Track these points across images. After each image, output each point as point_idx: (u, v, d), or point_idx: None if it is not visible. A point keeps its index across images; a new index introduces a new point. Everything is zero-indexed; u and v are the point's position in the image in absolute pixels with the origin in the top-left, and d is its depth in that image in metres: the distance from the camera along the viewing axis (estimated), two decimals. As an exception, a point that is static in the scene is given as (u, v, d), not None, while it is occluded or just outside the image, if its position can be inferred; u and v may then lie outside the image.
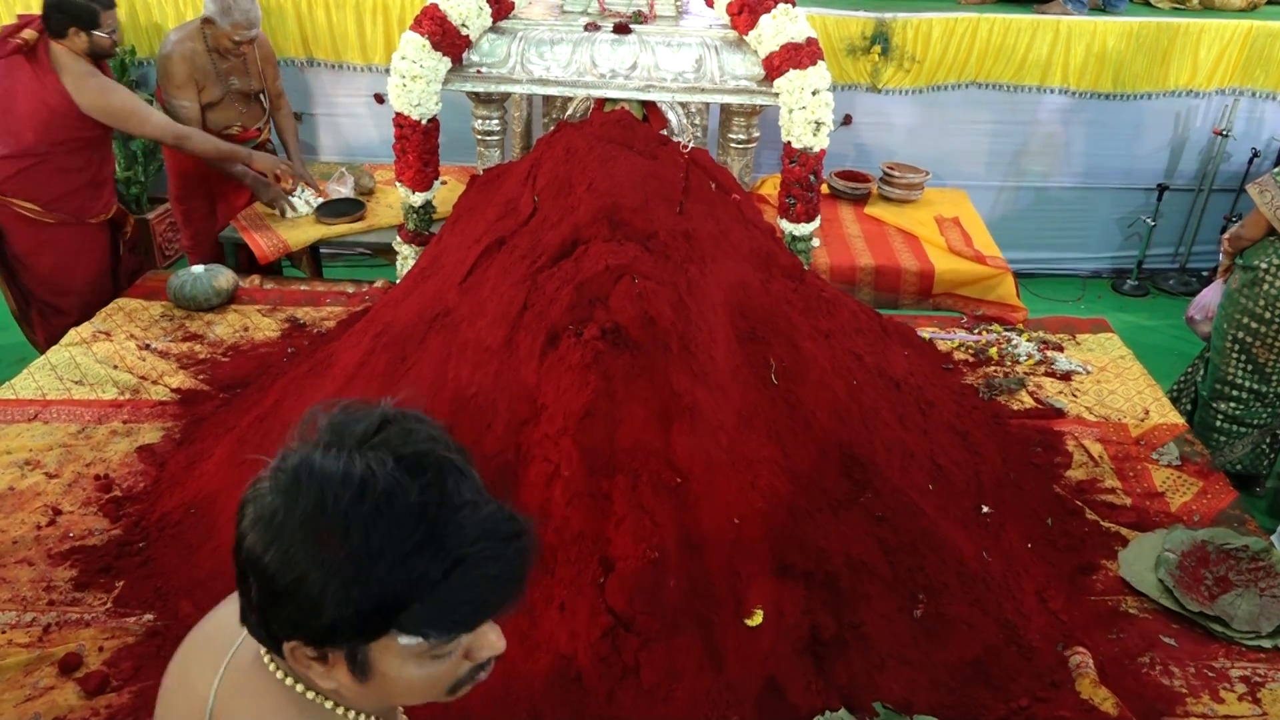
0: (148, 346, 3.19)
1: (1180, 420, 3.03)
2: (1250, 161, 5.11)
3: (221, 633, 1.05)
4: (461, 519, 0.87)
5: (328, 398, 2.47)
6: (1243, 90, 5.05)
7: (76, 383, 2.97)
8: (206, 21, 3.63)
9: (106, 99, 3.41)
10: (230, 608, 1.04)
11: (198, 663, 1.06)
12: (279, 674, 0.98)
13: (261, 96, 4.00)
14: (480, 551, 0.87)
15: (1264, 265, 3.30)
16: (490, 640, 0.95)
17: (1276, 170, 3.30)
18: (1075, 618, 2.25)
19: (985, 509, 2.42)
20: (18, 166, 3.40)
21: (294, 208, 3.92)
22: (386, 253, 3.71)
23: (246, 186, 3.92)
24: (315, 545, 0.84)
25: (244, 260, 3.88)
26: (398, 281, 3.26)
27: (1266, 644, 2.18)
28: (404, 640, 0.88)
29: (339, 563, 0.84)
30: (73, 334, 3.25)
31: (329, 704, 0.98)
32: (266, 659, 0.99)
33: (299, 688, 0.97)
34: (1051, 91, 4.99)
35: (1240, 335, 3.40)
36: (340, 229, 3.92)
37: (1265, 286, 3.30)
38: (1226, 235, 3.48)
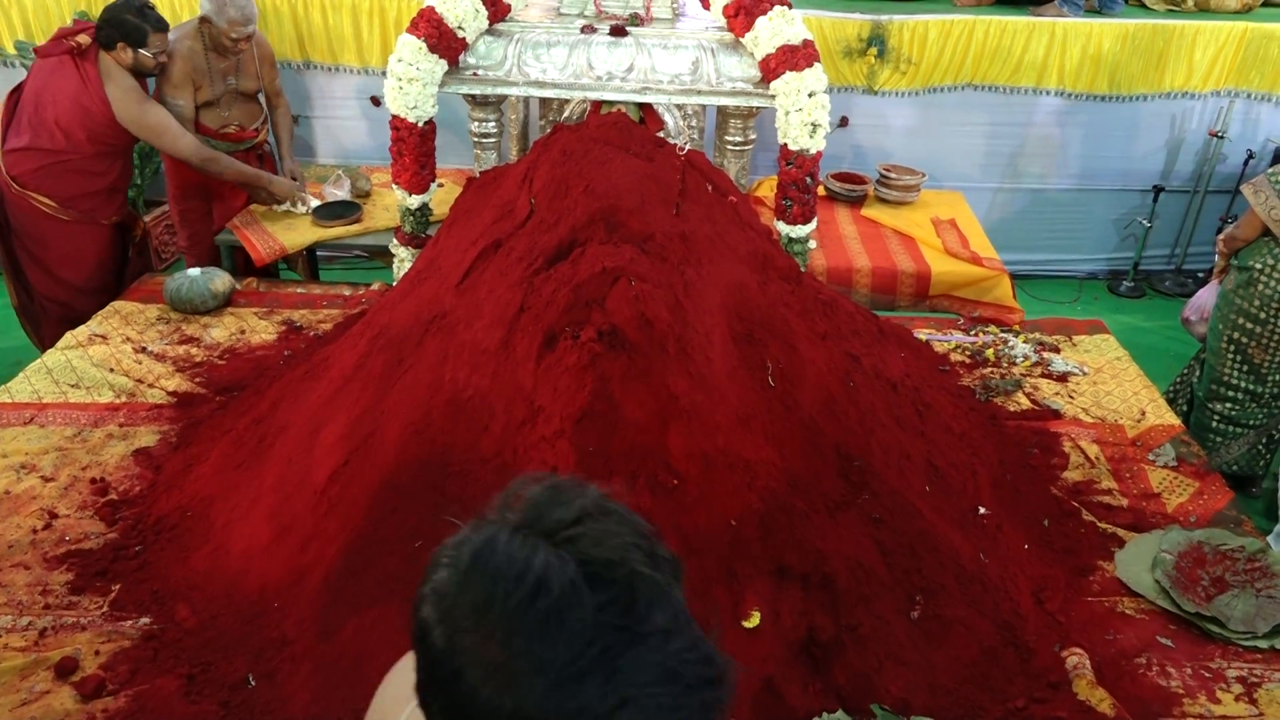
0: (144, 349, 3.18)
1: (1176, 421, 3.03)
2: (1245, 163, 5.13)
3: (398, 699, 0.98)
4: (642, 652, 0.73)
5: (325, 400, 2.48)
6: (1238, 92, 5.06)
7: (72, 386, 2.96)
8: (203, 20, 3.64)
9: (143, 114, 3.54)
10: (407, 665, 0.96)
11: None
12: None
13: (260, 96, 4.01)
14: (654, 697, 0.73)
15: (1259, 266, 3.31)
16: None
17: (1271, 171, 3.31)
18: (1072, 619, 2.25)
19: (982, 510, 2.42)
20: (42, 161, 3.52)
21: (303, 202, 3.95)
22: (383, 255, 3.71)
23: (240, 158, 3.97)
24: (477, 640, 0.74)
25: (240, 263, 3.88)
26: (394, 284, 3.26)
27: (1263, 644, 2.18)
28: None
29: (498, 665, 0.73)
30: (68, 337, 3.24)
31: None
32: None
33: None
34: (1047, 93, 5.01)
35: (1236, 336, 3.41)
36: (337, 231, 3.92)
37: (1260, 287, 3.31)
38: (1221, 236, 3.49)
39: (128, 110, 3.50)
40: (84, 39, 3.49)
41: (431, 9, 3.07)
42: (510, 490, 0.82)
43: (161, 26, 3.52)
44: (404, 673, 1.00)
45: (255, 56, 3.88)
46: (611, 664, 0.72)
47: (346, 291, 3.66)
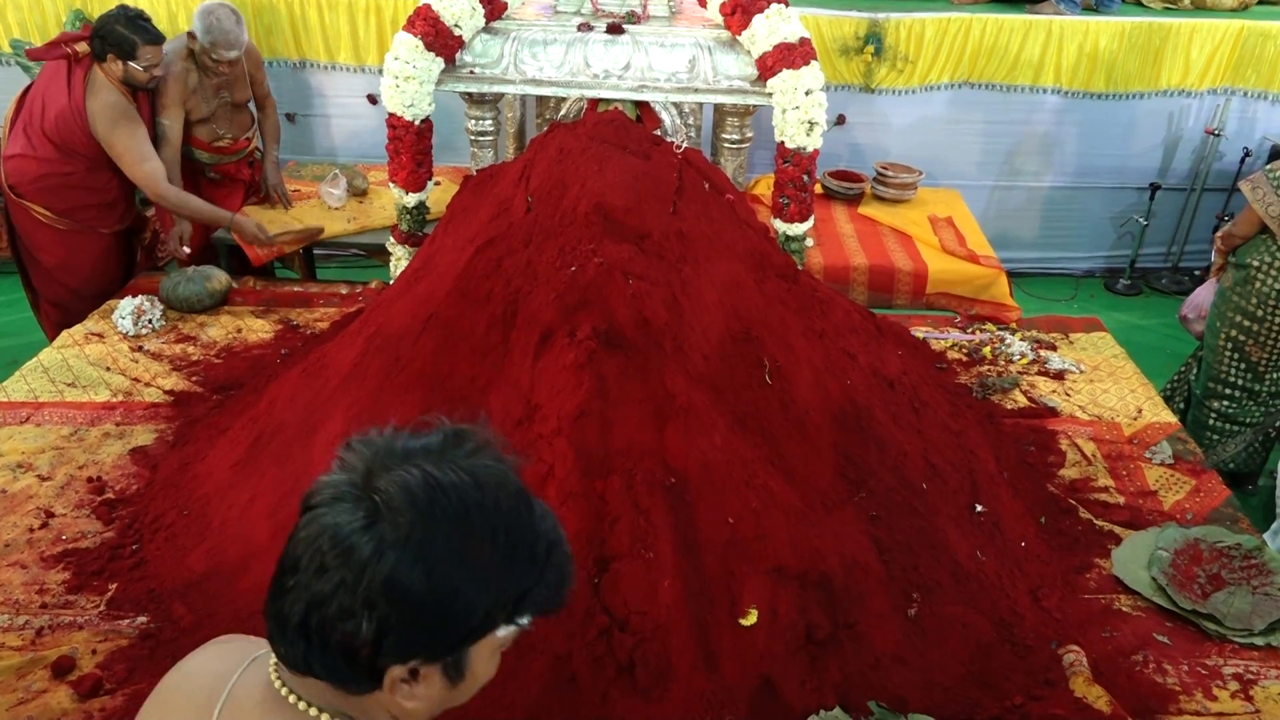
0: (141, 348, 3.18)
1: (1173, 419, 3.04)
2: (1242, 160, 5.14)
3: (196, 686, 1.03)
4: (537, 506, 0.96)
5: (322, 399, 2.47)
6: (1234, 90, 5.07)
7: (69, 385, 2.96)
8: (191, 36, 3.59)
9: (112, 131, 3.41)
10: (195, 663, 1.06)
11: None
12: (312, 710, 0.95)
13: (250, 105, 3.98)
14: (555, 532, 0.97)
15: (1256, 263, 3.31)
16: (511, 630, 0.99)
17: (1269, 168, 3.31)
18: (1069, 616, 2.25)
19: (979, 508, 2.42)
20: (40, 172, 3.44)
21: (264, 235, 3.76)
22: (380, 253, 3.70)
23: (231, 169, 3.98)
24: (464, 555, 0.88)
25: (237, 262, 3.88)
26: (391, 282, 3.26)
27: (1259, 641, 2.18)
28: (502, 632, 0.93)
29: (491, 563, 0.89)
30: (65, 336, 3.24)
31: (304, 704, 0.96)
32: (298, 701, 0.96)
33: (315, 714, 0.95)
34: (1044, 91, 5.01)
35: (1233, 334, 3.41)
36: (334, 229, 3.92)
37: (1258, 284, 3.31)
38: (1219, 234, 3.49)
39: (99, 126, 3.39)
40: (83, 47, 3.41)
41: (428, 7, 3.07)
42: (343, 455, 0.95)
43: (154, 39, 3.41)
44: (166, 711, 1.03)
45: (245, 66, 3.83)
46: (534, 531, 0.94)
47: (343, 290, 3.66)
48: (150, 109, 3.62)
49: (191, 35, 3.59)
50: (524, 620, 0.95)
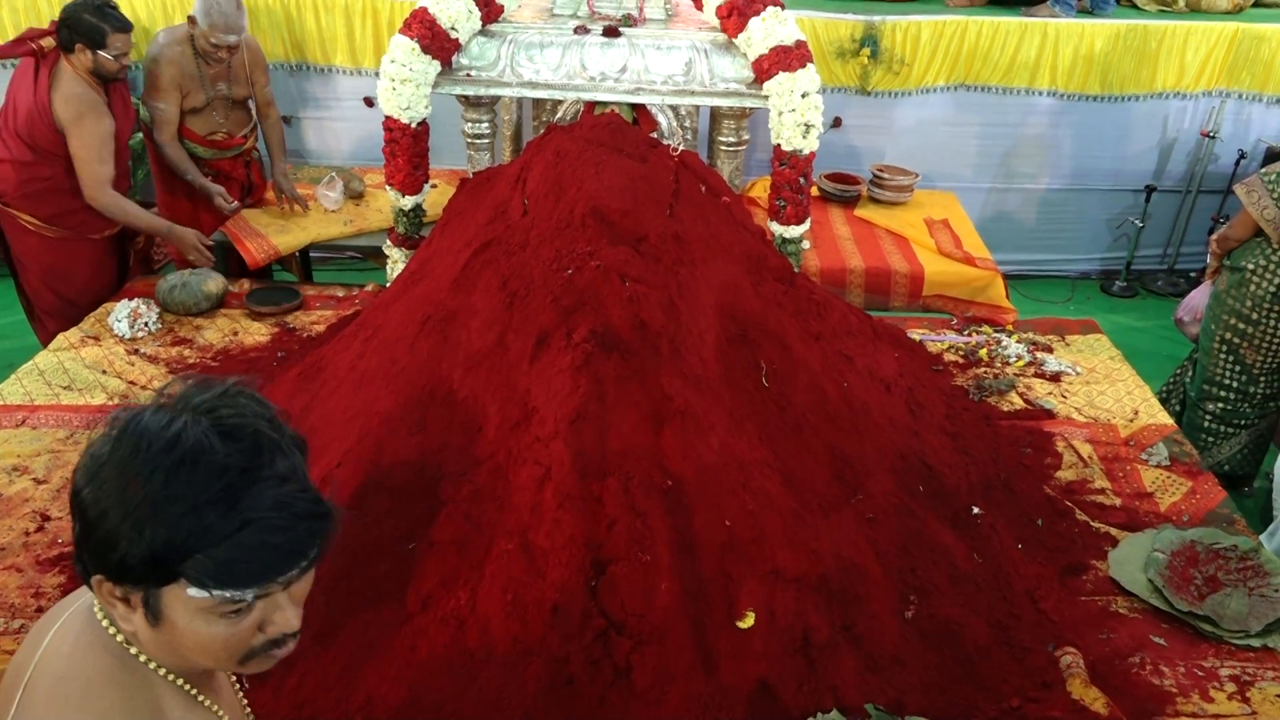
0: (137, 351, 3.17)
1: (1169, 421, 3.04)
2: (1237, 163, 5.15)
3: (61, 605, 1.15)
4: (261, 488, 0.96)
5: (318, 402, 2.47)
6: (1229, 92, 5.09)
7: (65, 388, 2.95)
8: (191, 20, 3.58)
9: (74, 123, 3.31)
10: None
11: (37, 630, 1.14)
12: (101, 618, 1.07)
13: (249, 103, 3.96)
14: (269, 519, 0.96)
15: (1251, 266, 3.32)
16: (285, 616, 1.03)
17: (1264, 171, 3.32)
18: (1066, 618, 2.25)
19: (976, 510, 2.42)
20: (19, 177, 3.39)
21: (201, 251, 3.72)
22: (376, 256, 3.70)
23: (226, 166, 3.95)
24: (121, 486, 0.94)
25: (234, 265, 3.87)
26: (388, 285, 3.26)
27: (1256, 643, 2.19)
28: (191, 591, 0.96)
29: (137, 503, 0.94)
30: (61, 339, 3.23)
31: (143, 658, 1.05)
32: (96, 606, 1.07)
33: (114, 632, 1.06)
34: (1040, 94, 5.02)
35: (1228, 336, 3.42)
36: (332, 232, 3.93)
37: (1253, 287, 3.32)
38: (1214, 236, 3.50)
39: (62, 117, 3.30)
40: (49, 41, 3.32)
41: (424, 10, 3.07)
42: (162, 388, 1.04)
43: (123, 27, 3.33)
44: (36, 627, 1.14)
45: (246, 63, 3.83)
46: (235, 495, 0.95)
47: (340, 293, 3.66)
48: (121, 107, 3.52)
49: (191, 20, 3.57)
50: (209, 586, 0.96)
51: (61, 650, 1.06)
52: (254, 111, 4.02)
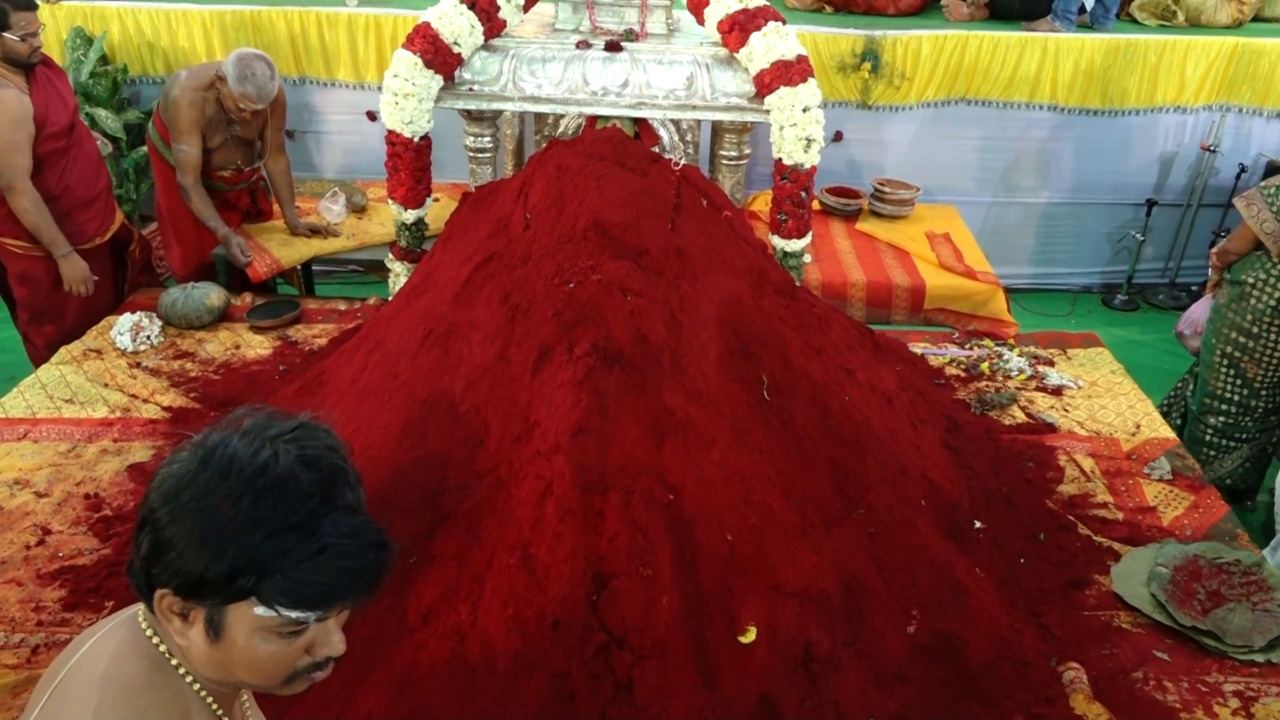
0: (139, 365, 3.18)
1: (1171, 435, 3.04)
2: (1238, 176, 5.16)
3: (102, 622, 1.18)
4: (337, 516, 1.02)
5: (319, 416, 2.47)
6: (1229, 106, 5.10)
7: (67, 401, 2.95)
8: (220, 79, 3.50)
9: None
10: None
11: (76, 641, 1.16)
12: (147, 630, 1.10)
13: (259, 140, 3.89)
14: (344, 546, 1.01)
15: (1251, 280, 3.32)
16: (333, 640, 1.08)
17: (1263, 184, 3.33)
18: (1069, 633, 2.24)
19: (978, 524, 2.42)
20: None
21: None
22: (379, 269, 3.71)
23: (232, 198, 3.93)
24: (210, 507, 0.99)
25: (236, 278, 3.88)
26: (390, 298, 3.26)
27: (1259, 658, 2.18)
28: (259, 610, 1.01)
29: (225, 523, 0.98)
30: (63, 352, 3.24)
31: (176, 663, 1.09)
32: (141, 618, 1.11)
33: (157, 642, 1.09)
34: (1040, 108, 5.03)
35: (1229, 350, 3.42)
36: (333, 245, 3.94)
37: (1253, 301, 3.32)
38: (1214, 250, 3.50)
39: None
40: None
41: (427, 25, 3.08)
42: (230, 417, 1.08)
43: (25, 4, 3.12)
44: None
45: (268, 111, 3.76)
46: (316, 521, 1.00)
47: (342, 306, 3.67)
48: (52, 93, 3.35)
49: (221, 78, 3.49)
50: (279, 606, 1.00)
51: (103, 654, 1.09)
52: (260, 146, 3.93)
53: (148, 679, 1.07)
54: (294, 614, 1.01)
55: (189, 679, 1.09)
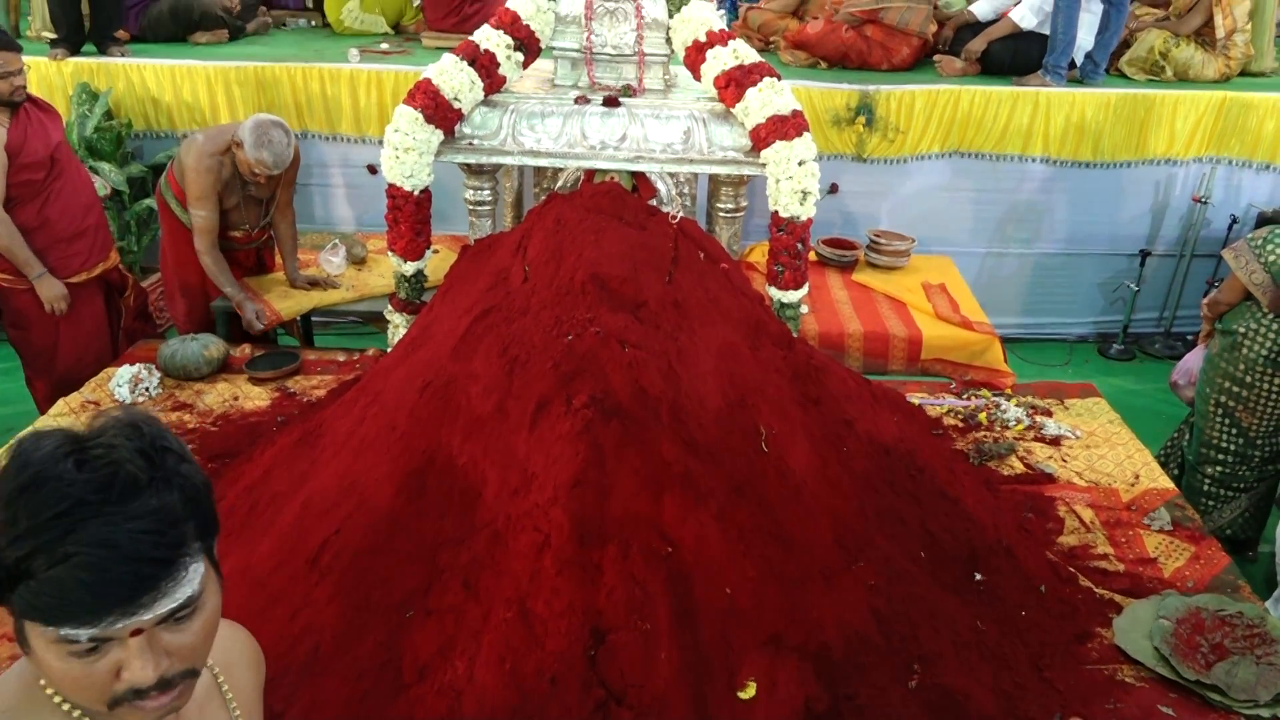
0: (136, 416, 3.17)
1: (1170, 485, 3.03)
2: (1230, 227, 5.20)
3: None
4: (99, 523, 0.91)
5: (317, 467, 2.46)
6: (1219, 159, 5.16)
7: (63, 453, 2.94)
8: (236, 144, 3.54)
9: None
10: None
11: None
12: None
13: (271, 200, 3.92)
14: (88, 556, 0.90)
15: (1242, 329, 3.34)
16: (133, 666, 0.95)
17: (1251, 236, 3.37)
18: (1072, 687, 2.22)
19: (978, 576, 2.40)
20: None
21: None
22: (378, 321, 3.72)
23: (240, 257, 3.96)
24: None
25: (235, 329, 3.89)
26: (389, 350, 3.27)
27: (1265, 713, 2.15)
28: (38, 629, 0.93)
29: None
30: (61, 404, 3.23)
31: (49, 691, 1.02)
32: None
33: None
34: (1033, 160, 5.09)
35: (1222, 399, 3.43)
36: (333, 297, 3.96)
37: (1244, 350, 3.34)
38: (1205, 300, 3.53)
39: None
40: None
41: (428, 81, 3.13)
42: (93, 417, 1.00)
43: (3, 45, 3.18)
44: None
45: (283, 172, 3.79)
46: (70, 526, 0.90)
47: (340, 357, 3.67)
48: (35, 129, 3.42)
49: (238, 143, 3.53)
50: (29, 618, 0.92)
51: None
52: (269, 206, 3.97)
53: (13, 704, 1.01)
54: (52, 630, 0.91)
55: (60, 701, 1.01)
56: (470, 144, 3.26)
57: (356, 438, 2.43)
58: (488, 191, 3.47)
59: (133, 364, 3.39)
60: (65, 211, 3.52)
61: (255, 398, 3.33)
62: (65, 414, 3.16)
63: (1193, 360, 3.66)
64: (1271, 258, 3.23)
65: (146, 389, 3.29)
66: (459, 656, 1.89)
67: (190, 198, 3.64)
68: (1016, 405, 3.44)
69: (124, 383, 3.28)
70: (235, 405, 3.28)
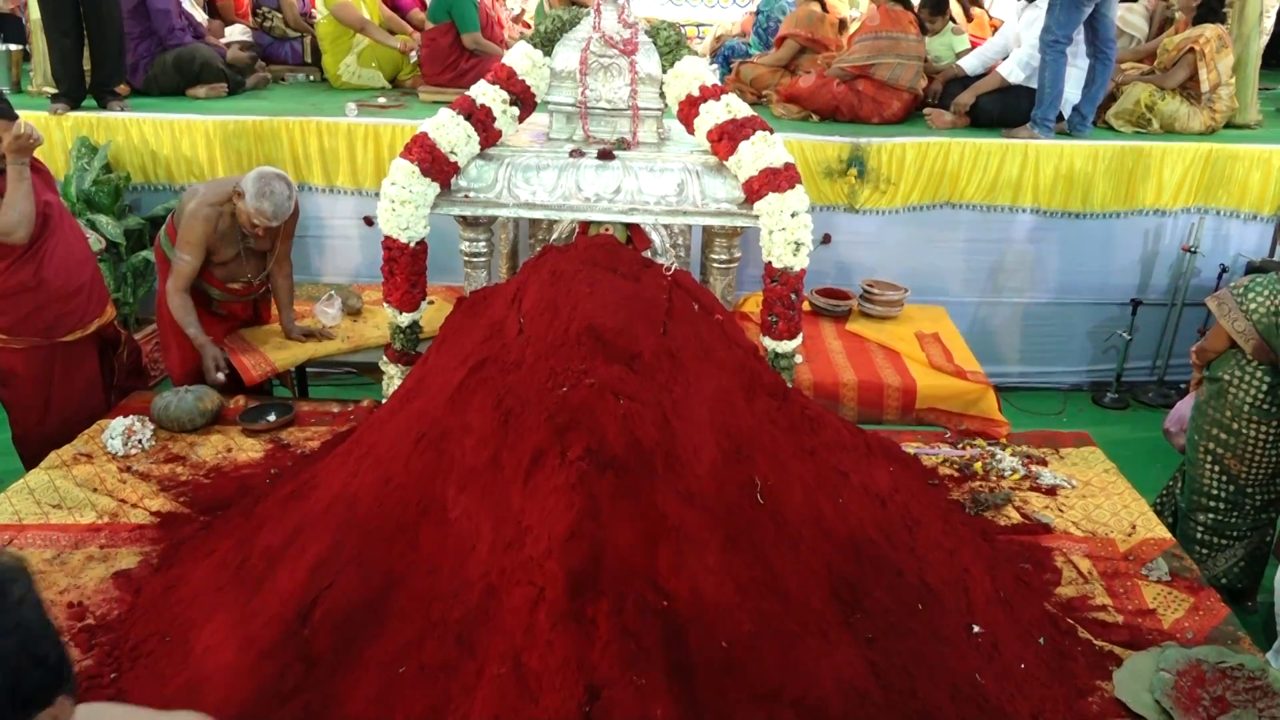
0: (129, 469, 3.16)
1: (1167, 534, 3.02)
2: (1219, 276, 5.25)
3: None
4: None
5: (310, 520, 2.45)
6: (1207, 209, 5.22)
7: (54, 506, 2.93)
8: (238, 194, 3.56)
9: None
10: None
11: None
12: None
13: (268, 253, 3.94)
14: None
15: (1228, 377, 3.36)
16: None
17: (1233, 285, 3.40)
18: (1073, 742, 2.19)
19: (976, 629, 2.38)
20: None
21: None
22: (373, 372, 3.72)
23: (238, 310, 3.96)
24: None
25: (230, 381, 3.88)
26: (384, 401, 3.27)
27: (1269, 767, 2.13)
28: None
29: None
30: (53, 457, 3.22)
31: None
32: None
33: None
34: (1023, 211, 5.15)
35: (1212, 446, 3.44)
36: (328, 348, 3.96)
37: (1230, 397, 3.36)
38: (1193, 349, 3.56)
39: None
40: None
41: (425, 135, 3.17)
42: None
43: (5, 114, 3.24)
44: None
45: (282, 224, 3.80)
46: None
47: (335, 409, 3.67)
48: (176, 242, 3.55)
49: (239, 194, 3.55)
50: None
51: None
52: (268, 258, 3.98)
53: None
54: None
55: None
56: (466, 196, 3.29)
57: (350, 490, 2.41)
58: (483, 243, 3.50)
59: (126, 415, 3.38)
60: (61, 269, 3.52)
61: (249, 449, 3.32)
62: (57, 466, 3.15)
63: (1185, 408, 3.68)
64: (1252, 305, 3.26)
65: (139, 441, 3.28)
66: (452, 714, 1.87)
67: (179, 240, 3.66)
68: (1012, 454, 3.44)
69: (117, 435, 3.27)
70: (228, 457, 3.27)
